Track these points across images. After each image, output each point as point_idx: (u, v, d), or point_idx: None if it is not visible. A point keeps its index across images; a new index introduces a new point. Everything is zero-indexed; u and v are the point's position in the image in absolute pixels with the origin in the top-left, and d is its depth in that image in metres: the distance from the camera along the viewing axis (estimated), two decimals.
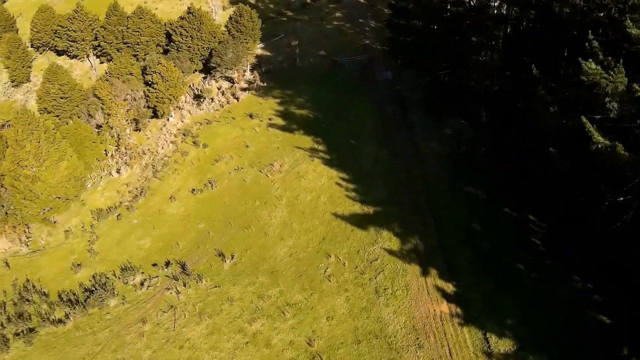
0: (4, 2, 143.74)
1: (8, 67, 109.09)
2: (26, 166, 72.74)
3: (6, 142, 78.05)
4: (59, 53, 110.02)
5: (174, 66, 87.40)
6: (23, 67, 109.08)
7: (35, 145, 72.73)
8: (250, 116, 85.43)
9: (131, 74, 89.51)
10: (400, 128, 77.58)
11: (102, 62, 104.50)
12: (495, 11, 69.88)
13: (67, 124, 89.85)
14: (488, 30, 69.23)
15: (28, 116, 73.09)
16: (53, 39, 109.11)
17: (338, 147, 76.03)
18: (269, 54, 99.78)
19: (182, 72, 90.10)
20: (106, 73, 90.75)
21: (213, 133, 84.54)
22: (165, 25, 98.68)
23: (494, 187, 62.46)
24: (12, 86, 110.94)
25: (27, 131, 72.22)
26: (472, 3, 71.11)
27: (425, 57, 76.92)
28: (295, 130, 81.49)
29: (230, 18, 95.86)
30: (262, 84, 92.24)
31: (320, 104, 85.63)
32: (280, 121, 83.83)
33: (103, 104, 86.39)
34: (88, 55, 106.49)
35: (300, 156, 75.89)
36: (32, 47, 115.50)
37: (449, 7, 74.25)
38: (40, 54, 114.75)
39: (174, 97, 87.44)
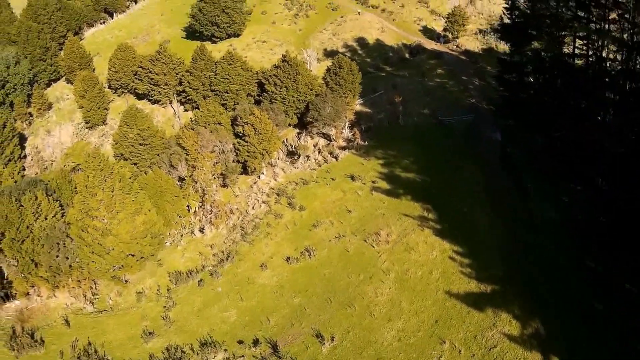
0: (81, 39, 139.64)
1: (82, 107, 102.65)
2: (96, 217, 63.67)
3: (75, 188, 69.83)
4: (139, 97, 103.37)
5: (268, 118, 78.88)
6: (99, 109, 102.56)
7: (108, 194, 63.75)
8: (352, 178, 76.05)
9: (219, 123, 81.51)
10: (513, 193, 68.14)
11: (186, 110, 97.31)
12: (619, 66, 60.56)
13: (145, 173, 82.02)
14: (611, 86, 60.49)
15: (101, 160, 64.43)
16: (133, 81, 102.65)
17: (449, 215, 66.11)
18: (369, 110, 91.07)
19: (276, 125, 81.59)
20: (192, 121, 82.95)
21: (310, 194, 75.20)
22: (257, 73, 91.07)
23: (618, 262, 52.53)
24: (86, 127, 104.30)
25: (100, 177, 63.22)
26: (597, 55, 62.21)
27: (539, 116, 68.34)
28: (401, 195, 71.68)
29: (329, 70, 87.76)
30: (362, 142, 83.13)
31: (426, 166, 76.01)
32: (384, 184, 74.18)
33: (187, 155, 78.13)
34: (171, 101, 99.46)
35: (409, 225, 66.03)
36: (109, 87, 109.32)
37: (569, 60, 66.07)
38: (119, 96, 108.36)
39: (267, 152, 78.79)
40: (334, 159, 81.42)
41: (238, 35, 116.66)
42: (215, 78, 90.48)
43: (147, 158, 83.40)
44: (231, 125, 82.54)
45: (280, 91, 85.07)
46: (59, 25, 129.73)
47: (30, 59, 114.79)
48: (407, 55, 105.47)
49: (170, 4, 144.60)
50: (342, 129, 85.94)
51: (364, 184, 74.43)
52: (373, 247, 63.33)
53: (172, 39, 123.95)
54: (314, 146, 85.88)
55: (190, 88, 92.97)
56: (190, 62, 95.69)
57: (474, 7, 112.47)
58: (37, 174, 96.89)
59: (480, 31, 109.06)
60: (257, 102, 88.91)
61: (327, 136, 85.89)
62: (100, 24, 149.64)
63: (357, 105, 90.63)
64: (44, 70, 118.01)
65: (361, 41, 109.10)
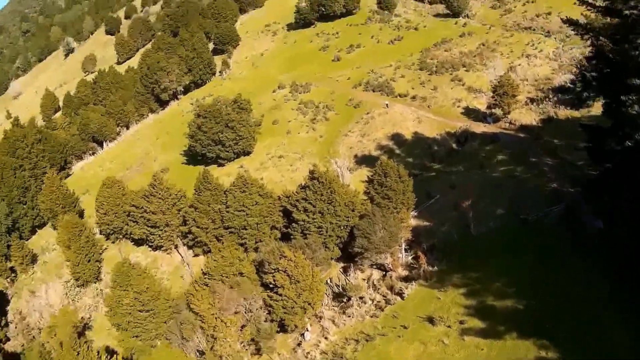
0: (69, 175, 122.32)
1: (69, 261, 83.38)
2: None
3: None
4: (137, 242, 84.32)
5: (304, 259, 58.97)
6: (89, 262, 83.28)
7: None
8: (430, 321, 55.64)
9: (241, 274, 61.92)
10: None
11: (196, 255, 77.86)
12: None
13: (153, 347, 62.09)
14: None
15: (80, 345, 45.84)
16: (126, 224, 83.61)
17: (578, 347, 47.86)
18: (428, 223, 71.15)
19: (316, 265, 61.70)
20: (204, 274, 63.10)
21: (380, 355, 54.54)
22: (280, 198, 71.96)
23: None
24: (77, 286, 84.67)
25: None
26: None
27: None
28: (504, 334, 51.96)
29: (371, 181, 68.79)
30: (430, 267, 62.91)
31: (526, 285, 56.46)
32: (477, 323, 53.81)
33: (203, 321, 58.07)
34: (177, 246, 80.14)
35: None
36: (100, 233, 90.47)
37: None
38: (112, 242, 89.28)
39: (309, 304, 58.43)
40: (397, 297, 61.24)
41: (249, 153, 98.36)
42: (227, 212, 71.30)
43: (152, 329, 63.62)
44: (257, 274, 62.76)
45: (314, 219, 65.57)
46: (41, 159, 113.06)
47: (8, 202, 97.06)
48: (454, 146, 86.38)
49: (166, 126, 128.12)
50: (399, 253, 65.96)
51: (448, 327, 55.23)
52: None
53: (171, 165, 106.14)
54: (367, 281, 65.81)
55: (198, 227, 73.72)
56: (193, 194, 76.98)
57: (515, 75, 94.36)
58: (22, 346, 79.52)
59: (532, 100, 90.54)
60: (285, 237, 69.30)
61: (381, 266, 65.99)
62: (90, 155, 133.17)
63: (412, 219, 70.79)
64: (24, 214, 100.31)
65: (396, 138, 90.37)
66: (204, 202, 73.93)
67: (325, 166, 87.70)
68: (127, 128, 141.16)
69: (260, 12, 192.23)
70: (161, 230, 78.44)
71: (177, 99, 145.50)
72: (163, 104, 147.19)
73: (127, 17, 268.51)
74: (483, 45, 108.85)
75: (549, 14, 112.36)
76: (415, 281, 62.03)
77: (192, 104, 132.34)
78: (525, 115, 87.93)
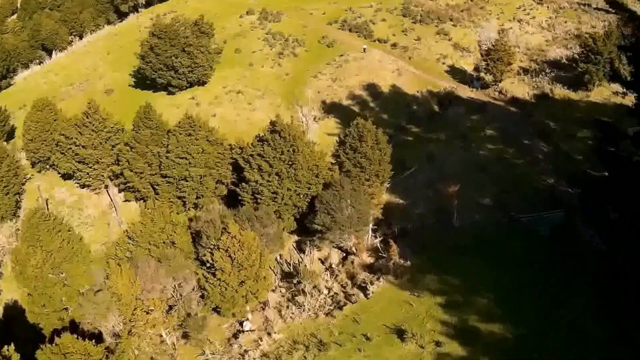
0: (10, 85, 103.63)
1: None
2: None
3: None
4: (65, 177, 68.09)
5: (253, 238, 44.35)
6: (7, 194, 66.91)
7: None
8: (399, 333, 42.34)
9: (173, 243, 47.03)
10: None
11: (127, 200, 62.53)
12: None
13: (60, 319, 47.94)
14: None
15: None
16: (54, 154, 67.35)
17: None
18: (401, 200, 57.12)
19: (267, 244, 47.25)
20: (128, 238, 48.04)
21: None
22: (231, 148, 56.74)
23: None
24: None
25: None
26: None
27: None
28: None
29: (342, 142, 54.05)
30: (402, 261, 49.31)
31: (516, 307, 43.49)
32: (456, 348, 40.94)
33: (120, 303, 43.56)
34: (107, 186, 64.55)
35: None
36: (27, 160, 73.89)
37: None
38: (39, 172, 72.80)
39: (253, 294, 44.10)
40: (360, 293, 47.73)
41: (204, 84, 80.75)
42: (167, 157, 55.82)
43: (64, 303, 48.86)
44: (192, 244, 48.16)
45: (269, 181, 50.72)
46: None
47: None
48: (436, 108, 71.84)
49: (120, 40, 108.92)
50: (366, 234, 52.16)
51: (421, 347, 42.69)
52: None
53: (118, 86, 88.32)
54: (323, 263, 52.14)
55: (131, 171, 58.08)
56: (131, 129, 61.13)
57: (507, 39, 79.51)
58: None
59: (525, 71, 76.29)
60: (232, 197, 54.59)
61: (342, 247, 52.12)
62: (37, 64, 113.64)
63: (384, 193, 56.76)
64: None
65: (372, 89, 74.98)
66: (142, 142, 58.11)
67: (289, 111, 72.47)
68: (81, 38, 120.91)
69: None
70: (90, 167, 62.54)
71: (138, 11, 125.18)
72: (122, 15, 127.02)
73: None
74: (471, 0, 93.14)
75: None
76: (383, 276, 48.38)
77: (151, 19, 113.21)
78: (517, 87, 73.72)
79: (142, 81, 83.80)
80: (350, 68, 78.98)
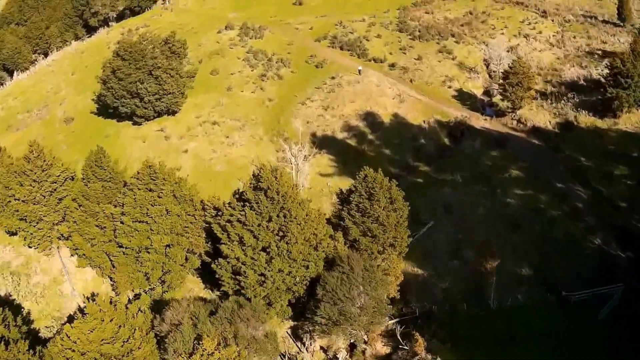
0: None
1: None
2: None
3: None
4: (10, 232, 52.59)
5: (235, 338, 29.80)
6: None
7: None
8: None
9: (131, 352, 32.34)
10: None
11: (79, 266, 47.36)
12: None
13: None
14: None
15: None
16: None
17: None
18: (419, 270, 42.77)
19: (256, 349, 32.66)
20: (65, 349, 33.12)
21: None
22: (204, 208, 42.11)
23: None
24: None
25: None
26: None
27: None
28: None
29: (346, 201, 39.66)
30: (430, 357, 35.14)
31: None
32: None
33: None
34: (58, 247, 49.37)
35: None
36: None
37: None
38: None
39: None
40: None
41: (174, 113, 65.45)
42: (121, 221, 40.92)
43: None
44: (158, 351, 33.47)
45: (254, 259, 36.14)
46: None
47: None
48: (447, 141, 57.72)
49: (87, 58, 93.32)
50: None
51: None
52: None
53: (78, 114, 72.66)
54: (325, 353, 37.91)
55: (81, 236, 43.10)
56: (81, 180, 46.17)
57: (525, 61, 65.19)
58: None
59: (543, 94, 62.66)
60: (207, 272, 39.93)
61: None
62: None
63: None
64: None
65: (370, 118, 60.56)
66: (92, 199, 43.26)
67: (274, 144, 58.07)
68: (46, 56, 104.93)
69: None
70: (33, 226, 47.44)
71: (108, 26, 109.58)
72: (91, 30, 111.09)
73: None
74: (471, 14, 79.11)
75: None
76: None
77: (122, 34, 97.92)
78: (537, 114, 59.85)
79: (106, 108, 68.46)
80: (344, 93, 64.42)
